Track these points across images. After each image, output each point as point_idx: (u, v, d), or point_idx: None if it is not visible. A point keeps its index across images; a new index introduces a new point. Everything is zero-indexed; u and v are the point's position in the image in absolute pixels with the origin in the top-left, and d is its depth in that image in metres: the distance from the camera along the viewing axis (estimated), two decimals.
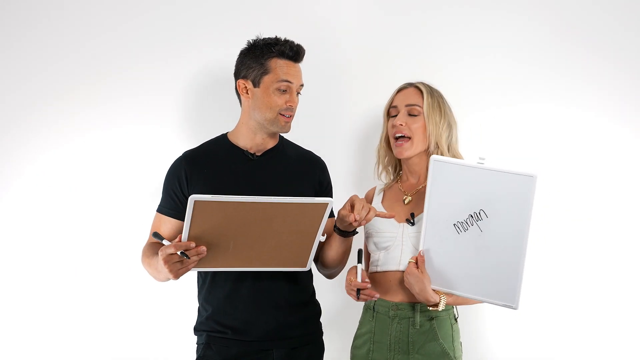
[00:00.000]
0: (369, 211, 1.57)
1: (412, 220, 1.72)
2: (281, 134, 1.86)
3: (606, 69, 2.20)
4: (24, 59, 2.21)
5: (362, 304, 1.84)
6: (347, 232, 1.66)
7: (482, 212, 1.55)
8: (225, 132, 1.85)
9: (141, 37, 2.22)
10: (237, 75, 1.79)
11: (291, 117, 1.77)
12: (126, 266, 2.16)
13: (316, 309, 1.86)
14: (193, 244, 1.47)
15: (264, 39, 1.76)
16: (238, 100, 1.83)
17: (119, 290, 2.21)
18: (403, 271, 1.68)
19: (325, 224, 1.57)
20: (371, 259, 1.81)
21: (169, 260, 1.48)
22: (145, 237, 1.82)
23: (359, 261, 1.65)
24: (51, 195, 2.21)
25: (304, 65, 1.79)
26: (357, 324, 1.86)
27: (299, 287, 1.78)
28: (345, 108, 2.26)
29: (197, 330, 1.80)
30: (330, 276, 1.87)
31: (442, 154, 1.75)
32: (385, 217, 1.66)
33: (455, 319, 1.76)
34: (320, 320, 1.87)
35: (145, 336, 2.22)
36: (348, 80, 2.26)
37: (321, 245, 1.76)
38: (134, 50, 2.22)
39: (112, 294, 2.21)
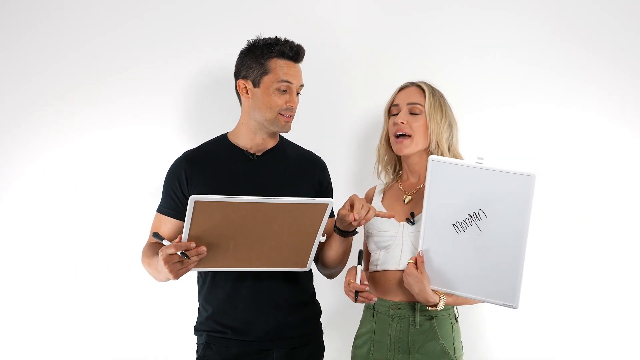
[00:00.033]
0: (369, 211, 1.57)
1: (412, 220, 1.72)
2: (281, 134, 1.86)
3: (606, 69, 2.19)
4: (24, 59, 2.21)
5: (362, 304, 1.84)
6: (347, 232, 1.66)
7: (481, 212, 1.55)
8: (225, 132, 1.85)
9: (141, 37, 2.22)
10: (237, 75, 1.79)
11: (291, 117, 1.77)
12: (126, 266, 2.16)
13: (316, 309, 1.86)
14: (193, 244, 1.47)
15: (264, 39, 1.76)
16: (238, 101, 1.83)
17: (119, 290, 2.21)
18: (403, 271, 1.68)
19: (325, 225, 1.57)
20: (371, 259, 1.81)
21: (169, 260, 1.48)
22: (145, 237, 1.82)
23: (359, 262, 1.65)
24: (51, 196, 2.21)
25: (304, 65, 1.79)
26: (357, 324, 1.86)
27: (299, 287, 1.78)
28: (345, 108, 2.26)
29: (197, 330, 1.80)
30: (330, 276, 1.87)
31: (442, 154, 1.76)
32: (385, 217, 1.66)
33: (456, 319, 1.76)
34: (320, 320, 1.88)
35: (145, 336, 2.22)
36: (348, 80, 2.26)
37: (321, 245, 1.76)
38: (134, 50, 2.22)
39: (112, 294, 2.21)
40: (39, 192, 2.21)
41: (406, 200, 1.79)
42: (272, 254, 1.60)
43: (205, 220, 1.46)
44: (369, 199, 1.89)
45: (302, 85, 1.79)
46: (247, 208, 1.47)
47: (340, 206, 1.61)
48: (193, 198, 1.41)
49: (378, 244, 1.76)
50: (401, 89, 1.84)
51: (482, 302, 1.62)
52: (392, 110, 1.83)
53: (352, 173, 2.26)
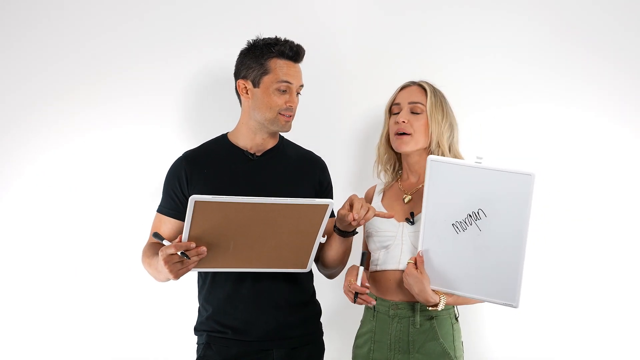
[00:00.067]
0: (368, 210, 1.57)
1: (411, 220, 1.72)
2: (281, 134, 1.86)
3: (606, 69, 2.19)
4: (24, 59, 2.21)
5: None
6: (346, 232, 1.66)
7: (480, 212, 1.55)
8: (225, 132, 1.85)
9: (141, 37, 2.22)
10: (237, 75, 1.79)
11: (291, 116, 1.77)
12: (126, 266, 2.17)
13: (316, 309, 1.86)
14: (193, 244, 1.47)
15: (263, 39, 1.76)
16: (238, 101, 1.83)
17: (119, 290, 2.21)
18: (403, 270, 1.67)
19: (325, 225, 1.57)
20: (371, 258, 1.81)
21: (169, 260, 1.48)
22: (145, 237, 1.82)
23: (362, 264, 1.65)
24: (51, 196, 2.21)
25: (304, 65, 1.79)
26: (357, 324, 1.86)
27: (299, 287, 1.78)
28: (345, 108, 2.26)
29: (197, 330, 1.80)
30: (330, 276, 1.87)
31: (443, 154, 1.76)
32: (385, 217, 1.66)
33: (456, 319, 1.76)
34: (321, 320, 1.88)
35: (145, 336, 2.22)
36: (348, 80, 2.26)
37: (321, 245, 1.76)
38: (134, 50, 2.22)
39: (113, 294, 2.21)
40: (39, 192, 2.21)
41: (406, 200, 1.79)
42: (272, 255, 1.60)
43: (205, 221, 1.46)
44: (368, 198, 1.89)
45: (302, 86, 1.79)
46: (247, 208, 1.47)
47: (340, 206, 1.61)
48: (193, 198, 1.41)
49: (378, 244, 1.76)
50: (402, 88, 1.84)
51: (482, 301, 1.62)
52: (393, 109, 1.83)
53: (352, 173, 2.26)
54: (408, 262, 1.64)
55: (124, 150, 2.22)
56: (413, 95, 1.79)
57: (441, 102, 1.79)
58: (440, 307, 1.62)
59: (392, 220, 1.74)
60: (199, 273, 1.81)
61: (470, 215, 1.56)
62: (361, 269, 1.63)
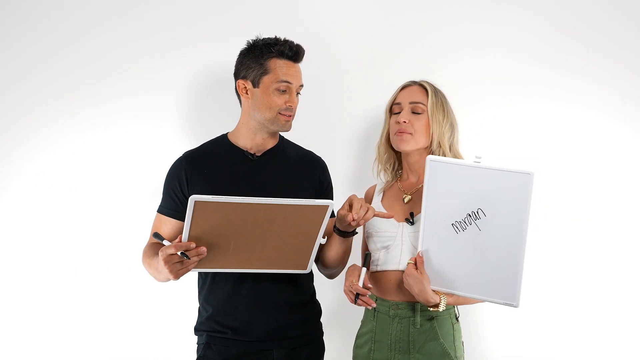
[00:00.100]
0: (367, 210, 1.57)
1: (411, 220, 1.72)
2: (281, 134, 1.86)
3: (606, 69, 2.19)
4: (24, 59, 2.21)
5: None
6: (346, 233, 1.65)
7: (480, 211, 1.55)
8: (225, 133, 1.85)
9: (141, 37, 2.22)
10: (237, 75, 1.79)
11: (291, 116, 1.77)
12: (126, 266, 2.17)
13: (316, 309, 1.86)
14: (193, 245, 1.47)
15: (263, 39, 1.76)
16: (238, 101, 1.83)
17: (119, 290, 2.21)
18: (403, 271, 1.67)
19: (325, 226, 1.57)
20: (371, 259, 1.81)
21: (169, 260, 1.48)
22: (145, 237, 1.82)
23: (364, 265, 1.64)
24: (51, 196, 2.21)
25: (303, 65, 1.79)
26: (358, 324, 1.86)
27: (299, 287, 1.78)
28: (345, 108, 2.26)
29: (197, 330, 1.80)
30: (330, 276, 1.87)
31: (444, 154, 1.76)
32: (384, 217, 1.66)
33: (457, 319, 1.76)
34: (321, 320, 1.88)
35: (145, 336, 2.22)
36: (348, 80, 2.26)
37: (321, 246, 1.76)
38: (134, 50, 2.22)
39: (113, 294, 2.21)
40: (39, 192, 2.21)
41: (406, 200, 1.79)
42: (272, 255, 1.60)
43: (205, 221, 1.46)
44: (368, 198, 1.89)
45: (301, 85, 1.79)
46: (247, 208, 1.47)
47: (340, 206, 1.61)
48: (193, 198, 1.41)
49: (378, 244, 1.76)
50: (403, 87, 1.83)
51: (483, 301, 1.62)
52: (393, 108, 1.82)
53: (352, 173, 2.26)
54: (408, 263, 1.63)
55: (124, 150, 2.22)
56: (414, 95, 1.79)
57: (442, 102, 1.79)
58: (441, 308, 1.62)
59: (392, 220, 1.74)
60: (199, 273, 1.81)
61: (469, 215, 1.56)
62: (364, 270, 1.63)
